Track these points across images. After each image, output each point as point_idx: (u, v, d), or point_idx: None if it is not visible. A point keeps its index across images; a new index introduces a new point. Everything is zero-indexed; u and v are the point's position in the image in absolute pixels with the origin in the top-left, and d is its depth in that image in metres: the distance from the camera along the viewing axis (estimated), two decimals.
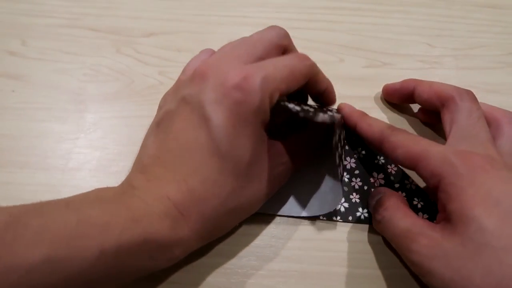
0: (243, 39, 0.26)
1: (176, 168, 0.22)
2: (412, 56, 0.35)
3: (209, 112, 0.21)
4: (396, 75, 0.33)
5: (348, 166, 0.29)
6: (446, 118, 0.26)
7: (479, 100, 0.27)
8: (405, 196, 0.28)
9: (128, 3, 0.37)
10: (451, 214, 0.21)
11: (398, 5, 0.37)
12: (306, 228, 0.28)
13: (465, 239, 0.19)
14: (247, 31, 0.36)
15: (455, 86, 0.27)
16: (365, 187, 0.29)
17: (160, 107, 0.26)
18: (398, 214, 0.24)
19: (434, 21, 0.36)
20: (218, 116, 0.21)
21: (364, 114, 0.29)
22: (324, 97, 0.28)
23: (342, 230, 0.27)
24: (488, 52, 0.35)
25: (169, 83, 0.33)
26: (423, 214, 0.28)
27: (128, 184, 0.22)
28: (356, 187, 0.29)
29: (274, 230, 0.28)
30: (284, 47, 0.26)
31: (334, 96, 0.29)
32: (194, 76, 0.23)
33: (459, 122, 0.25)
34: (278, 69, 0.23)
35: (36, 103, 0.32)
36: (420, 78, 0.32)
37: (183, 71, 0.27)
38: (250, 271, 0.26)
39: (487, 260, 0.19)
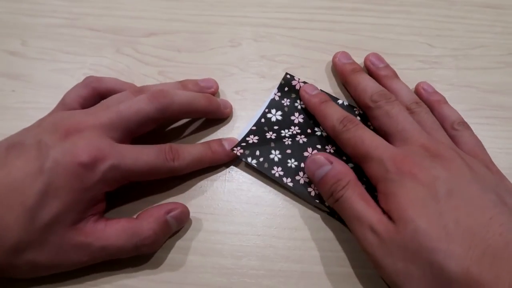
0: (119, 110, 0.25)
1: None
2: (412, 56, 0.35)
3: (47, 167, 0.22)
4: None
5: (300, 141, 0.30)
6: None
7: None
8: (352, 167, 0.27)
9: (128, 3, 0.37)
10: (390, 213, 0.23)
11: (398, 5, 0.37)
12: (306, 228, 0.28)
13: (406, 240, 0.21)
14: (247, 31, 0.36)
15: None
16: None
17: (21, 133, 0.25)
18: (355, 196, 0.24)
19: (434, 21, 0.36)
20: (51, 174, 0.22)
21: (319, 104, 0.30)
22: None
23: (342, 230, 0.27)
24: (488, 52, 0.35)
25: None
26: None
27: None
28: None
29: (274, 230, 0.28)
30: (160, 120, 0.27)
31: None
32: (58, 129, 0.24)
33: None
34: (137, 164, 0.24)
35: (36, 103, 0.32)
36: (420, 78, 0.32)
37: (62, 99, 0.28)
38: (250, 271, 0.26)
39: (422, 262, 0.21)
